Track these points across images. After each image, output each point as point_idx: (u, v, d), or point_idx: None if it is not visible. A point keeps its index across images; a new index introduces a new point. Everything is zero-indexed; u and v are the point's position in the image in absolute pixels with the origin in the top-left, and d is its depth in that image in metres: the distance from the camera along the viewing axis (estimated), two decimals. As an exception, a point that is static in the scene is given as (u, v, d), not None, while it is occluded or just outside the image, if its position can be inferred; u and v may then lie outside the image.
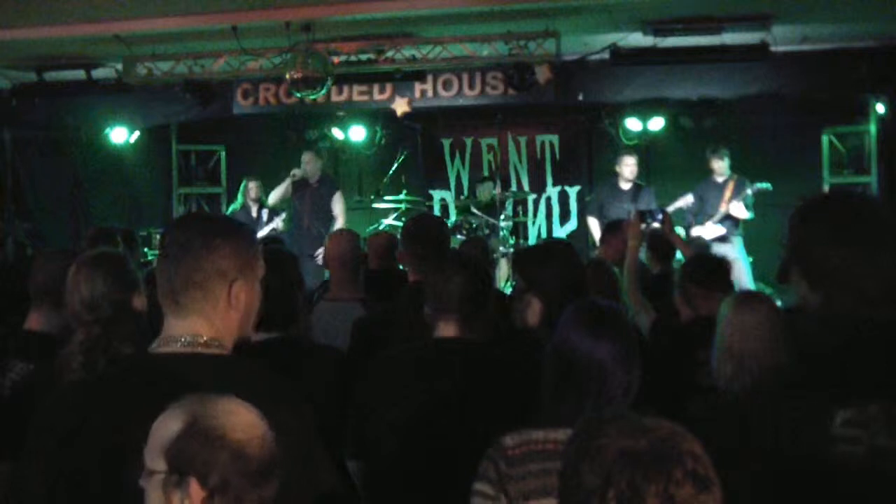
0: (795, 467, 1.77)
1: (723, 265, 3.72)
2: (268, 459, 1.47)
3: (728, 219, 7.91)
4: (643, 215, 4.58)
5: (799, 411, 1.79)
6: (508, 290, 6.60)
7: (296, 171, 8.31)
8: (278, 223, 8.56)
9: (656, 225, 4.94)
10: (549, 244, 3.98)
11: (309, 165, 8.35)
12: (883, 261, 1.80)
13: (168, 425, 1.44)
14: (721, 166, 8.02)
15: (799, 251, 1.90)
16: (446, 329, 2.61)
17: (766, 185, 7.81)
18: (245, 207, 8.80)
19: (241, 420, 1.46)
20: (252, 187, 8.79)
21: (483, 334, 2.64)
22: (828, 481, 1.72)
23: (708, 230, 7.92)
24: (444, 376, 2.51)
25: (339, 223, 8.18)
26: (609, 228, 5.58)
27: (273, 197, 8.46)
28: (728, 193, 7.87)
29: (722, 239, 7.83)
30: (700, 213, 8.07)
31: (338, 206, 8.35)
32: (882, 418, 1.69)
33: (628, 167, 8.26)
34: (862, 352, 1.75)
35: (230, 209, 9.29)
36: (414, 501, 2.52)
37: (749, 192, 7.81)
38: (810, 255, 1.87)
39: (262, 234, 8.34)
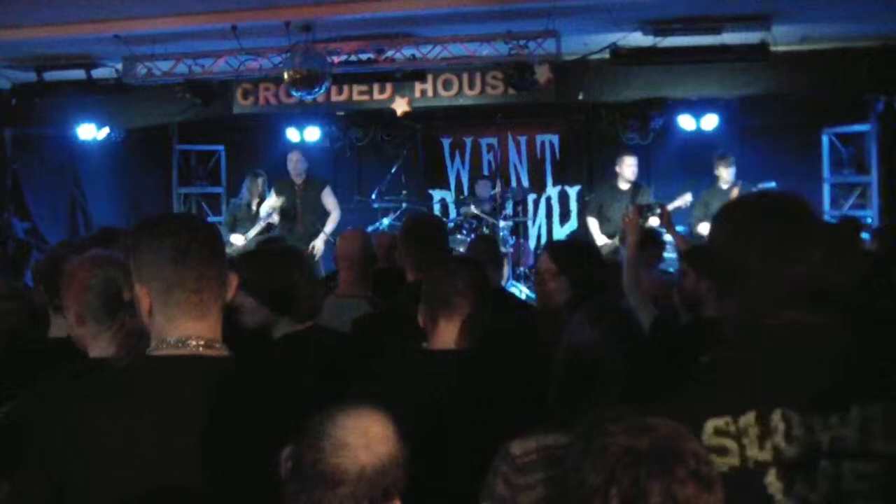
0: None
1: None
2: None
3: None
4: (641, 210, 4.57)
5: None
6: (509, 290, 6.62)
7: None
8: (274, 217, 8.30)
9: (655, 220, 4.92)
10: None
11: (297, 165, 8.32)
12: (795, 256, 1.63)
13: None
14: (728, 173, 8.02)
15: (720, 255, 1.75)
16: (446, 333, 2.43)
17: (771, 185, 7.81)
18: (248, 203, 8.58)
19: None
20: (259, 182, 8.57)
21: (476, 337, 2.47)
22: None
23: None
24: (439, 391, 2.34)
25: (335, 216, 8.23)
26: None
27: (268, 210, 8.27)
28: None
29: None
30: (705, 218, 8.05)
31: (330, 199, 8.34)
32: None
33: (629, 167, 8.24)
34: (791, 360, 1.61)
35: (232, 203, 9.11)
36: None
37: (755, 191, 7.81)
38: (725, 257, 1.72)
39: (257, 230, 8.27)
